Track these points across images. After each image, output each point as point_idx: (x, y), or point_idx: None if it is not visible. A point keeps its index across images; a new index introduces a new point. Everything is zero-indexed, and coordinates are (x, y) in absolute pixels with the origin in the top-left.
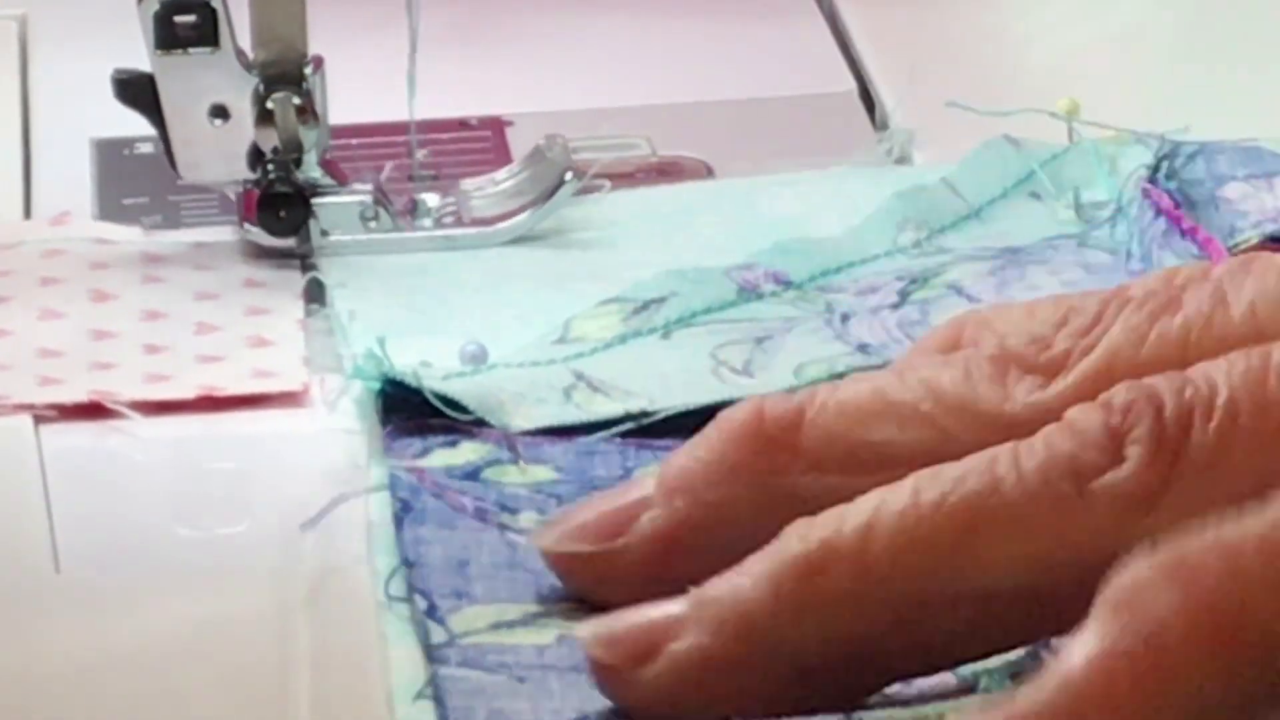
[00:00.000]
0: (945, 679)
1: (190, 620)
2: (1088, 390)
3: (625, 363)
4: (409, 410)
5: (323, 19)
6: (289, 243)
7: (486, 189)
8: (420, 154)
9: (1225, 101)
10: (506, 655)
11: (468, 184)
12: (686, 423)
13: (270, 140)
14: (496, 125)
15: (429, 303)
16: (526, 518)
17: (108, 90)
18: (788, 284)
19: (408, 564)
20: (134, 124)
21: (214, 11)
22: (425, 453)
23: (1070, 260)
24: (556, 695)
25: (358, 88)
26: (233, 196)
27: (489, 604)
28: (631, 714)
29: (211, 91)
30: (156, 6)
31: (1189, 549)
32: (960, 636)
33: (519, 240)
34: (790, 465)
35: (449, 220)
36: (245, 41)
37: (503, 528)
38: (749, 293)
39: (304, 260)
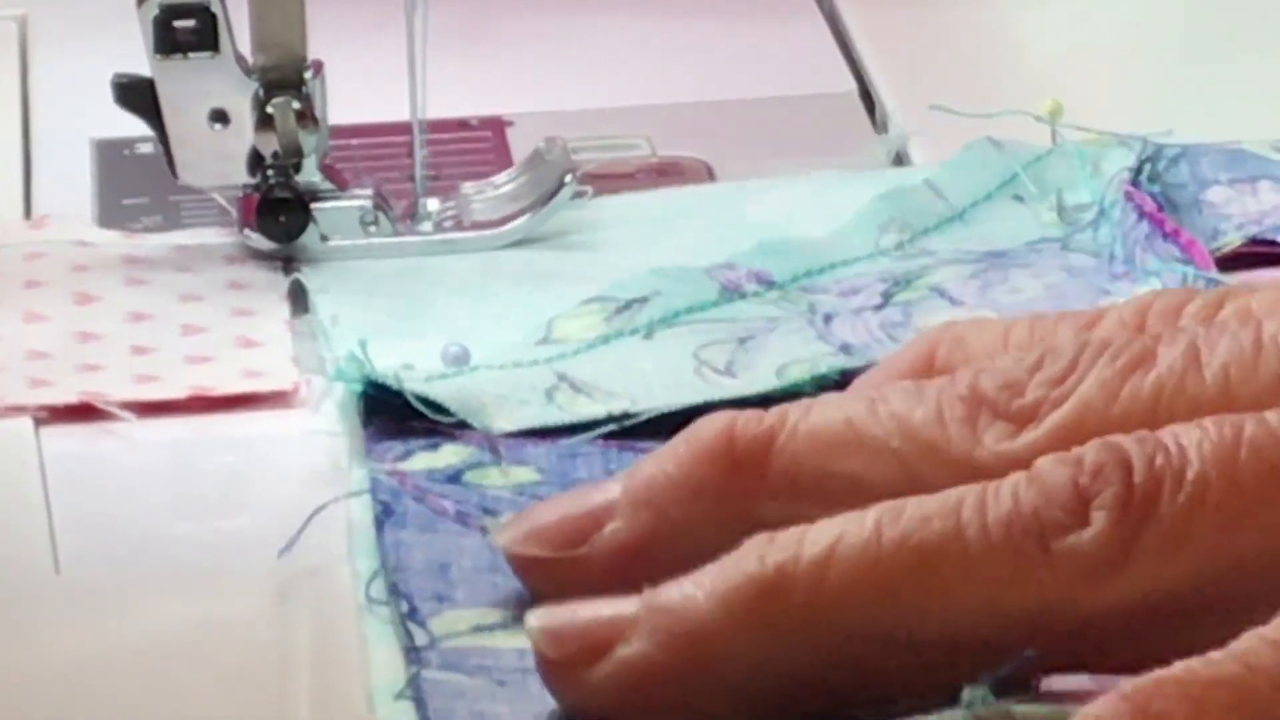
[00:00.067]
0: None
1: (182, 621)
2: (1058, 443)
3: (607, 363)
4: (391, 412)
5: (323, 19)
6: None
7: (486, 192)
8: (420, 154)
9: (1209, 104)
10: (487, 658)
11: (468, 187)
12: (669, 424)
13: (270, 145)
14: (497, 125)
15: (411, 305)
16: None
17: (108, 91)
18: (770, 284)
19: (388, 568)
20: (134, 125)
21: (214, 16)
22: (407, 455)
23: (1053, 264)
24: (537, 699)
25: (358, 88)
26: (227, 203)
27: (470, 607)
28: (573, 713)
29: (211, 96)
30: (156, 11)
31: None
32: (909, 677)
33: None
34: (757, 489)
35: (449, 224)
36: (245, 46)
37: (484, 531)
38: (731, 292)
39: (287, 263)
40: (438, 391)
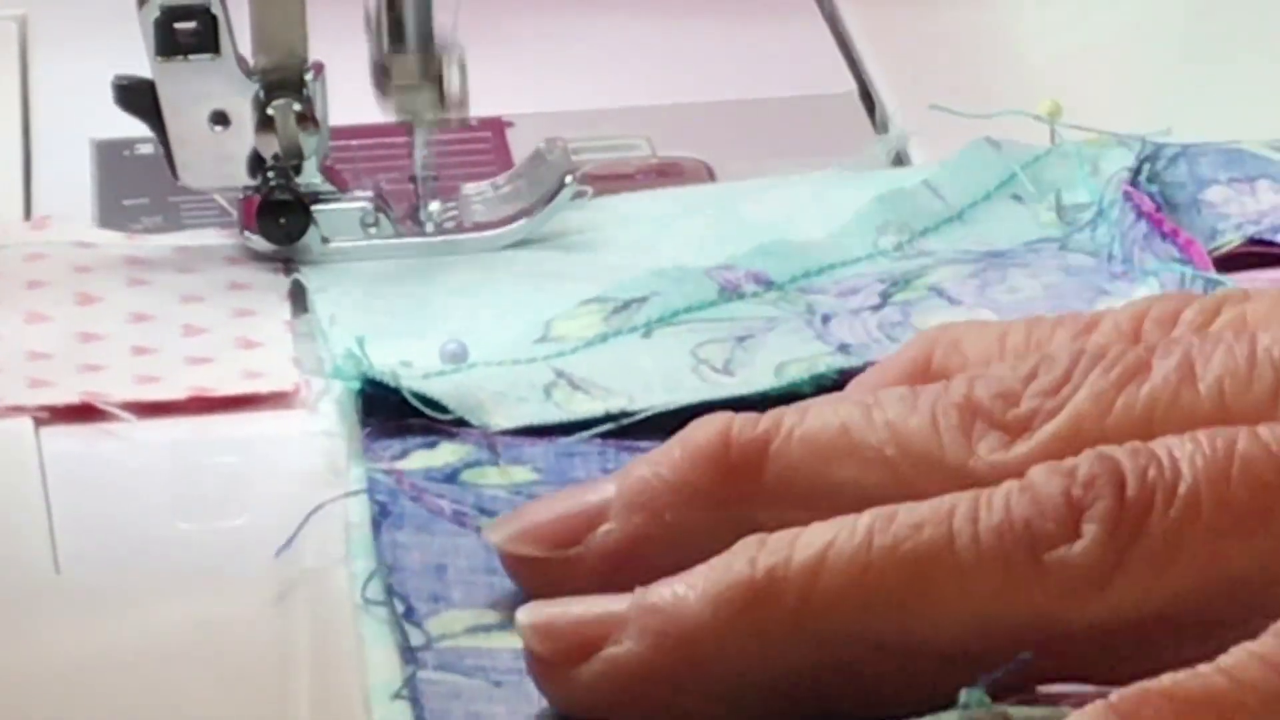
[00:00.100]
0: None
1: (182, 621)
2: (1051, 454)
3: (606, 361)
4: (389, 410)
5: (323, 20)
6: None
7: (487, 193)
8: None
9: (1207, 104)
10: (484, 659)
11: (468, 188)
12: (666, 424)
13: (271, 147)
14: (497, 126)
15: (411, 306)
16: None
17: (108, 91)
18: (769, 284)
19: (385, 568)
20: (134, 125)
21: (214, 18)
22: (404, 454)
23: (1051, 263)
24: (533, 699)
25: (358, 89)
26: (228, 204)
27: (466, 608)
28: (562, 711)
29: (212, 98)
30: (157, 13)
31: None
32: (899, 683)
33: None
34: (752, 495)
35: (450, 225)
36: (246, 48)
37: (480, 532)
38: (730, 293)
39: (287, 263)
40: (435, 389)
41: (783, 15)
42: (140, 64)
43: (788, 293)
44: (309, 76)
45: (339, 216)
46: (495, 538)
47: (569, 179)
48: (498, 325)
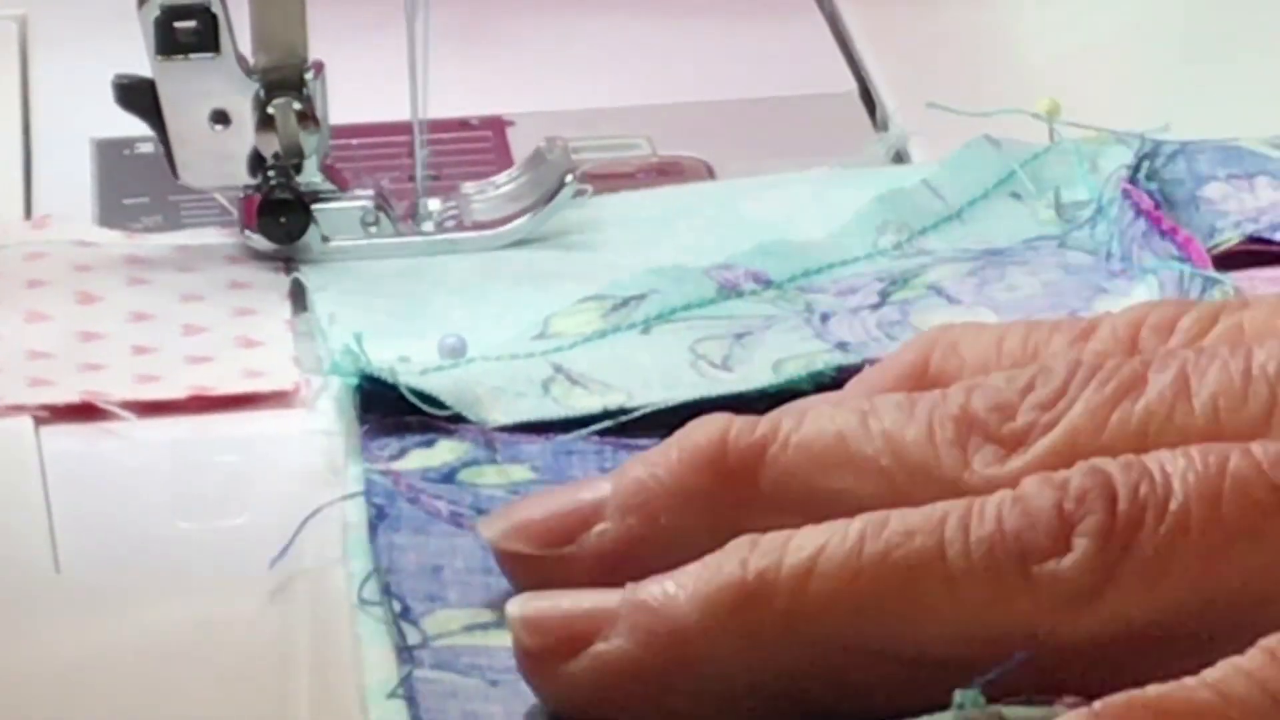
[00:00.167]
0: None
1: (181, 621)
2: (1046, 469)
3: (604, 356)
4: (387, 407)
5: (323, 19)
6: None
7: (487, 192)
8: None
9: (1206, 102)
10: (480, 658)
11: (468, 187)
12: (664, 421)
13: (271, 146)
14: (497, 125)
15: (411, 305)
16: None
17: (108, 91)
18: (768, 283)
19: (381, 570)
20: (134, 124)
21: (214, 17)
22: (402, 453)
23: (1050, 261)
24: (529, 698)
25: (358, 88)
26: (228, 203)
27: (463, 607)
28: (550, 707)
29: (212, 97)
30: (157, 12)
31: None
32: (888, 690)
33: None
34: (748, 501)
35: (450, 224)
36: (246, 47)
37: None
38: (729, 291)
39: (288, 262)
40: (433, 384)
41: (783, 15)
42: (140, 63)
43: (786, 291)
44: (309, 76)
45: (339, 215)
46: (488, 533)
47: (569, 178)
48: (498, 324)
